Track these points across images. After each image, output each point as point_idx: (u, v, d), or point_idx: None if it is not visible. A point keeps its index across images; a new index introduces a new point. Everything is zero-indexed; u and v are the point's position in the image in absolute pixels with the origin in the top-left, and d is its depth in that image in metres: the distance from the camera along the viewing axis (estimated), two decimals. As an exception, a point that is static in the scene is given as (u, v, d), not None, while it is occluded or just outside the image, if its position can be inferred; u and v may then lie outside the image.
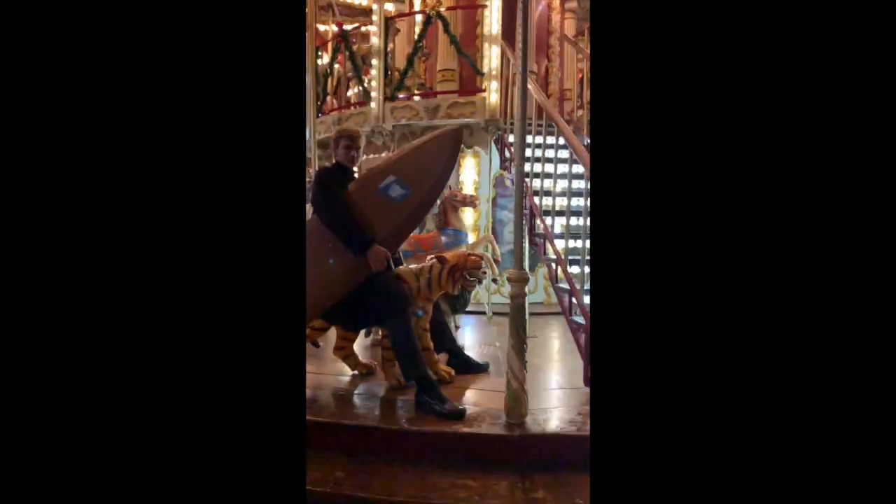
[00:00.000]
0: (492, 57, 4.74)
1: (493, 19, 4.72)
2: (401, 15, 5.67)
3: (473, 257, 2.79)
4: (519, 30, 2.33)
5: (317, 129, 5.68)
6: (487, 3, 4.75)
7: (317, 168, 4.03)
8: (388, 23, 5.06)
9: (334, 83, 5.80)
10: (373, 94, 4.94)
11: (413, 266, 2.91)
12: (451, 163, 2.83)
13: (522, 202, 2.33)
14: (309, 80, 5.67)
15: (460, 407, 2.35)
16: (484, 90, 4.95)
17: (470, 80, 5.08)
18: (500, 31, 4.70)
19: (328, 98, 5.67)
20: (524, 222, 3.71)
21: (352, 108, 5.56)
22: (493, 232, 5.05)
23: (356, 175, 2.89)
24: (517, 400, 2.25)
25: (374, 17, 4.98)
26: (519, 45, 2.32)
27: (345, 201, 2.58)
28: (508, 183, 5.01)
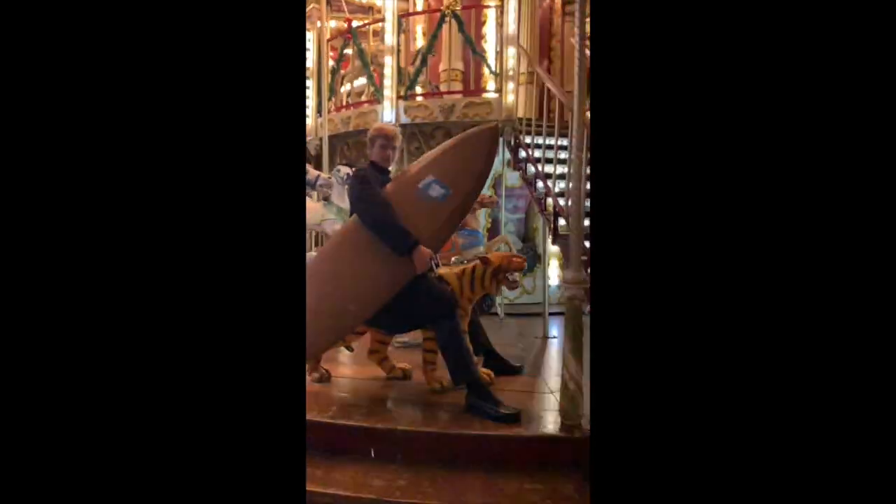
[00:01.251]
0: (508, 57, 4.71)
1: (509, 19, 4.70)
2: (415, 13, 5.61)
3: (517, 258, 2.76)
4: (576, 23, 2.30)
5: (321, 127, 5.58)
6: (491, 4, 4.73)
7: (329, 165, 3.95)
8: (401, 20, 5.00)
9: (341, 80, 5.70)
10: (386, 91, 4.86)
11: (454, 267, 2.87)
12: (489, 161, 2.79)
13: (580, 200, 2.30)
14: (312, 82, 5.59)
15: (513, 410, 2.32)
16: (490, 90, 4.98)
17: (475, 80, 5.04)
18: (517, 32, 4.69)
19: (341, 95, 5.57)
20: (548, 223, 3.73)
21: (360, 106, 5.47)
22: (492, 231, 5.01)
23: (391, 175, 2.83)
24: (574, 402, 2.23)
25: (388, 14, 4.91)
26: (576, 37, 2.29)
27: (387, 202, 2.52)
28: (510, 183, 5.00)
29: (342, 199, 4.61)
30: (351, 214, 2.68)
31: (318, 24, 5.58)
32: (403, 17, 5.11)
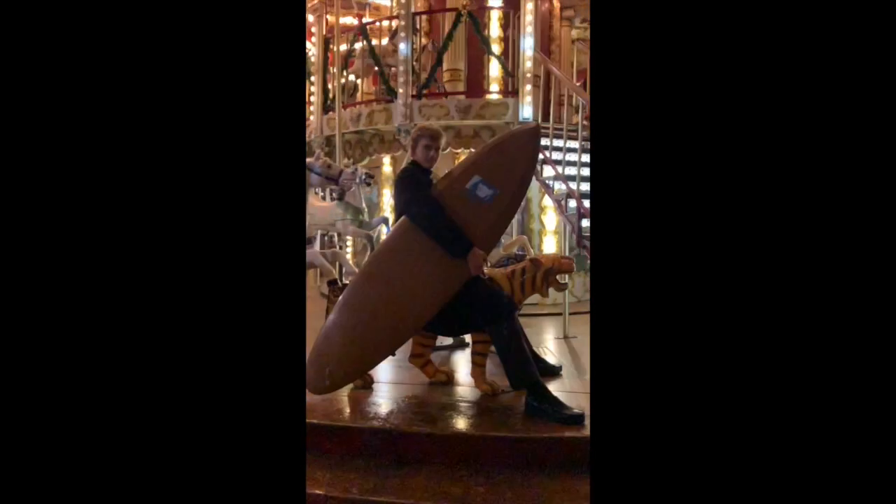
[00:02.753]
0: (524, 60, 4.72)
1: (526, 22, 4.71)
2: (430, 11, 5.56)
3: (566, 260, 2.76)
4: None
5: (326, 125, 5.47)
6: (495, 6, 4.71)
7: (340, 162, 3.86)
8: (416, 18, 4.94)
9: (349, 80, 5.60)
10: (400, 90, 4.80)
11: (503, 268, 2.84)
12: (533, 162, 2.78)
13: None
14: (317, 79, 5.45)
15: (577, 411, 2.31)
16: (491, 92, 4.98)
17: (476, 81, 5.02)
18: (535, 36, 4.71)
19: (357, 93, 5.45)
20: (572, 225, 3.74)
21: (370, 104, 5.38)
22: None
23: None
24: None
25: (402, 12, 4.85)
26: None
27: (439, 203, 2.47)
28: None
29: (356, 199, 4.52)
30: (398, 216, 2.61)
31: (323, 19, 5.47)
32: (418, 15, 5.06)
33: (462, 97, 5.05)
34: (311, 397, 2.34)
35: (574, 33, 7.63)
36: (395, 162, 6.00)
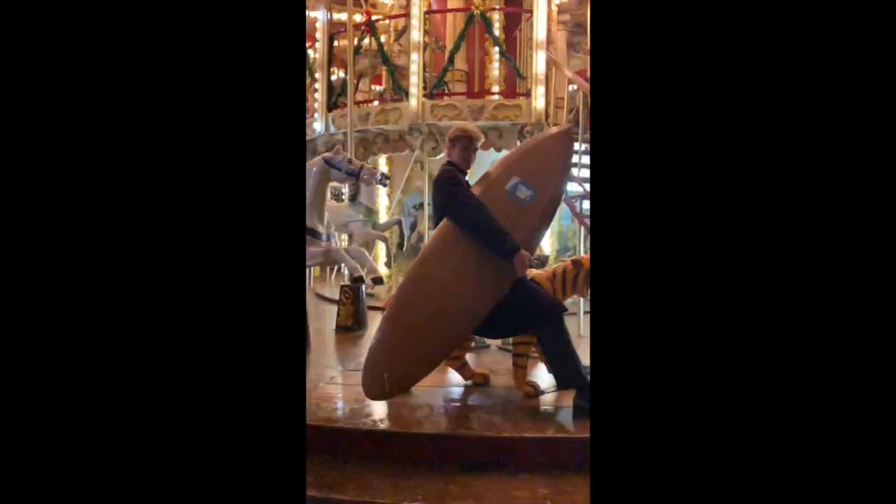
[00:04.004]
0: (537, 62, 4.74)
1: (539, 25, 4.72)
2: (442, 10, 5.52)
3: (606, 261, 2.76)
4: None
5: (332, 123, 5.37)
6: (496, 7, 4.73)
7: (352, 159, 3.78)
8: (427, 17, 4.90)
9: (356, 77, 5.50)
10: (412, 90, 4.75)
11: (544, 269, 2.82)
12: (568, 163, 2.78)
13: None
14: (321, 76, 5.34)
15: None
16: (492, 93, 4.99)
17: (478, 81, 5.01)
18: (546, 37, 4.72)
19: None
20: (586, 226, 3.75)
21: (383, 102, 5.30)
22: None
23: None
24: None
25: (415, 10, 4.80)
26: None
27: (483, 204, 2.44)
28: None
29: (371, 199, 4.46)
30: (439, 218, 2.56)
31: (328, 15, 5.37)
32: (430, 13, 5.01)
33: (475, 98, 5.03)
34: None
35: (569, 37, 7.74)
36: (391, 162, 5.94)
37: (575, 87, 5.25)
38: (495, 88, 5.32)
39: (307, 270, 4.91)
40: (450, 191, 2.48)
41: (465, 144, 2.62)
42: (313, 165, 3.89)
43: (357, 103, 5.62)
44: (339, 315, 4.36)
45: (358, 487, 1.92)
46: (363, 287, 4.35)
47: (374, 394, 2.30)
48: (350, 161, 3.77)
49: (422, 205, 5.46)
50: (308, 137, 5.33)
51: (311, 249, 3.73)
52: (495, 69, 5.48)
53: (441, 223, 2.54)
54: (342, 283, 4.55)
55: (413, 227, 4.67)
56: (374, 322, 4.53)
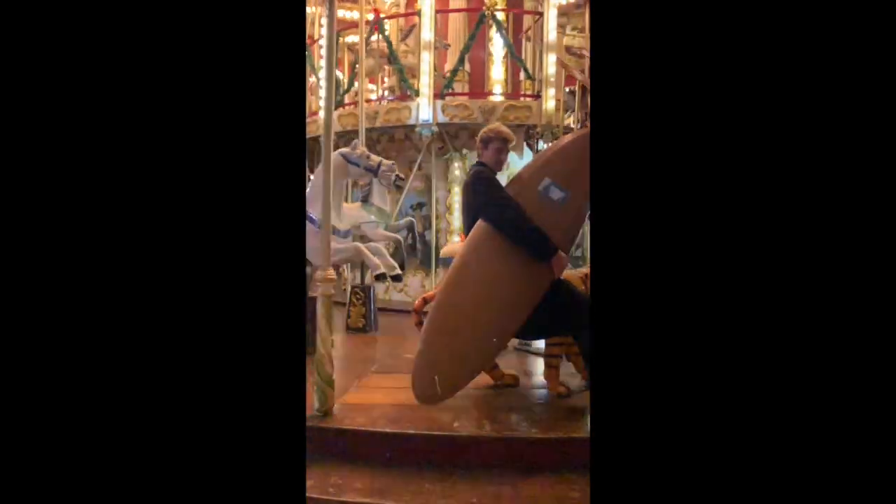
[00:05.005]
0: (548, 64, 4.75)
1: (550, 27, 4.73)
2: (453, 10, 5.49)
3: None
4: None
5: (337, 122, 5.28)
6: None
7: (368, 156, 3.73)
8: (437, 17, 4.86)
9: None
10: (424, 89, 4.71)
11: (577, 270, 2.82)
12: (598, 164, 2.79)
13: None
14: (327, 74, 5.25)
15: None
16: (493, 93, 5.00)
17: (479, 82, 5.00)
18: (557, 39, 4.73)
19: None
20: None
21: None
22: None
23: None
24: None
25: (426, 9, 4.76)
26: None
27: (520, 206, 2.42)
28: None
29: (383, 201, 4.39)
30: (472, 219, 2.53)
31: (334, 12, 5.29)
32: (441, 13, 4.98)
33: (488, 98, 5.01)
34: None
35: (565, 40, 7.81)
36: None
37: (572, 88, 5.32)
38: (497, 89, 5.33)
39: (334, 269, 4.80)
40: (486, 192, 2.45)
41: (499, 146, 2.60)
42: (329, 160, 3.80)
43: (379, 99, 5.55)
44: (349, 317, 4.29)
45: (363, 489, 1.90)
46: (373, 288, 4.30)
47: (426, 397, 2.26)
48: (368, 157, 3.70)
49: (420, 205, 5.43)
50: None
51: (333, 246, 3.66)
52: (498, 70, 5.49)
53: (477, 225, 2.50)
54: (353, 285, 4.49)
55: (411, 227, 4.62)
56: (385, 323, 4.51)
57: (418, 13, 4.83)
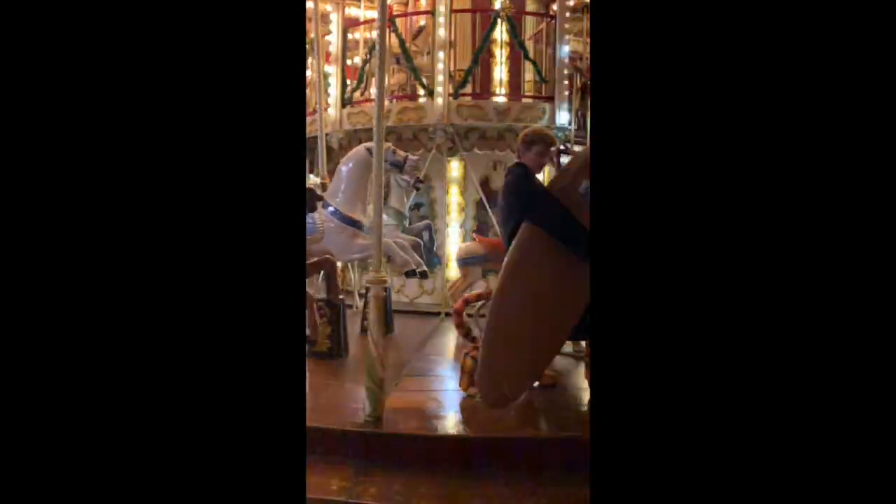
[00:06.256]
0: (561, 66, 4.77)
1: (563, 29, 4.76)
2: (466, 10, 5.45)
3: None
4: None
5: (347, 120, 5.21)
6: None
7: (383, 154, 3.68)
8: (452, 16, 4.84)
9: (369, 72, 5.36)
10: (438, 89, 4.68)
11: None
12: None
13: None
14: (336, 69, 5.15)
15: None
16: (497, 95, 5.01)
17: (482, 82, 4.99)
18: (570, 40, 4.76)
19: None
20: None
21: (402, 99, 5.19)
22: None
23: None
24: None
25: (441, 8, 4.72)
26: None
27: (567, 207, 2.43)
28: None
29: (401, 203, 4.34)
30: (516, 220, 2.52)
31: (342, 9, 5.22)
32: (456, 12, 4.95)
33: (503, 99, 5.01)
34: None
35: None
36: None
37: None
38: (500, 90, 5.33)
39: (351, 265, 4.70)
40: (531, 193, 2.45)
41: (542, 149, 2.60)
42: (354, 155, 3.75)
43: (369, 101, 5.48)
44: (364, 318, 4.23)
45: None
46: (390, 289, 4.26)
47: (495, 401, 2.26)
48: (394, 151, 3.66)
49: (418, 206, 5.39)
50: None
51: (360, 242, 3.60)
52: (500, 71, 5.50)
53: (523, 227, 2.50)
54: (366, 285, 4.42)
55: (429, 229, 4.60)
56: (400, 325, 4.47)
57: (432, 12, 4.79)
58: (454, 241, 5.03)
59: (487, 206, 4.87)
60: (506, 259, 2.44)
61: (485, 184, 5.02)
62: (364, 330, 4.19)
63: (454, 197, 5.12)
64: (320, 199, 2.93)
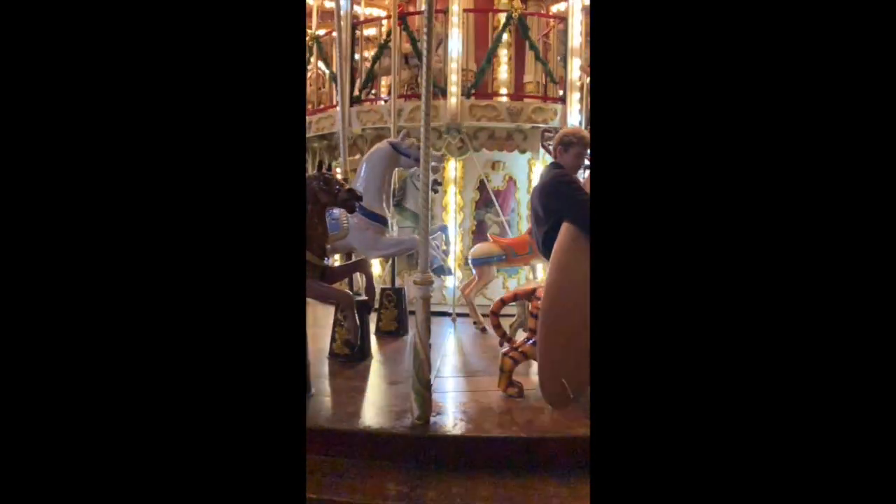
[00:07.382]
0: (572, 68, 4.80)
1: (575, 32, 4.79)
2: (479, 10, 5.43)
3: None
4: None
5: (356, 118, 5.16)
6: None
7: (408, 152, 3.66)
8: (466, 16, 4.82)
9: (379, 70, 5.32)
10: (453, 89, 4.66)
11: None
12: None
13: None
14: (343, 71, 5.09)
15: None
16: (500, 95, 5.04)
17: (484, 83, 5.00)
18: (582, 43, 4.79)
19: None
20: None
21: (411, 98, 5.16)
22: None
23: None
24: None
25: (454, 7, 4.71)
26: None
27: None
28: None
29: (417, 205, 4.30)
30: (555, 221, 2.52)
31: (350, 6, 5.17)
32: (468, 12, 4.93)
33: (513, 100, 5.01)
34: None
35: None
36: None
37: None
38: (503, 91, 5.35)
39: (374, 262, 4.62)
40: (572, 194, 2.45)
41: (580, 150, 2.61)
42: (378, 150, 3.71)
43: (377, 100, 5.44)
44: (380, 320, 4.20)
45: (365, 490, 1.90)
46: (405, 290, 4.22)
47: (558, 401, 2.26)
48: (418, 147, 3.63)
49: None
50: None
51: (383, 239, 3.55)
52: (503, 71, 5.51)
53: (564, 228, 2.50)
54: (382, 287, 4.38)
55: (444, 231, 4.58)
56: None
57: (445, 11, 4.77)
58: (453, 241, 5.01)
59: (497, 206, 4.88)
60: (552, 260, 2.44)
61: (483, 184, 5.03)
62: (380, 330, 4.17)
63: (452, 197, 5.11)
64: (360, 198, 2.88)
